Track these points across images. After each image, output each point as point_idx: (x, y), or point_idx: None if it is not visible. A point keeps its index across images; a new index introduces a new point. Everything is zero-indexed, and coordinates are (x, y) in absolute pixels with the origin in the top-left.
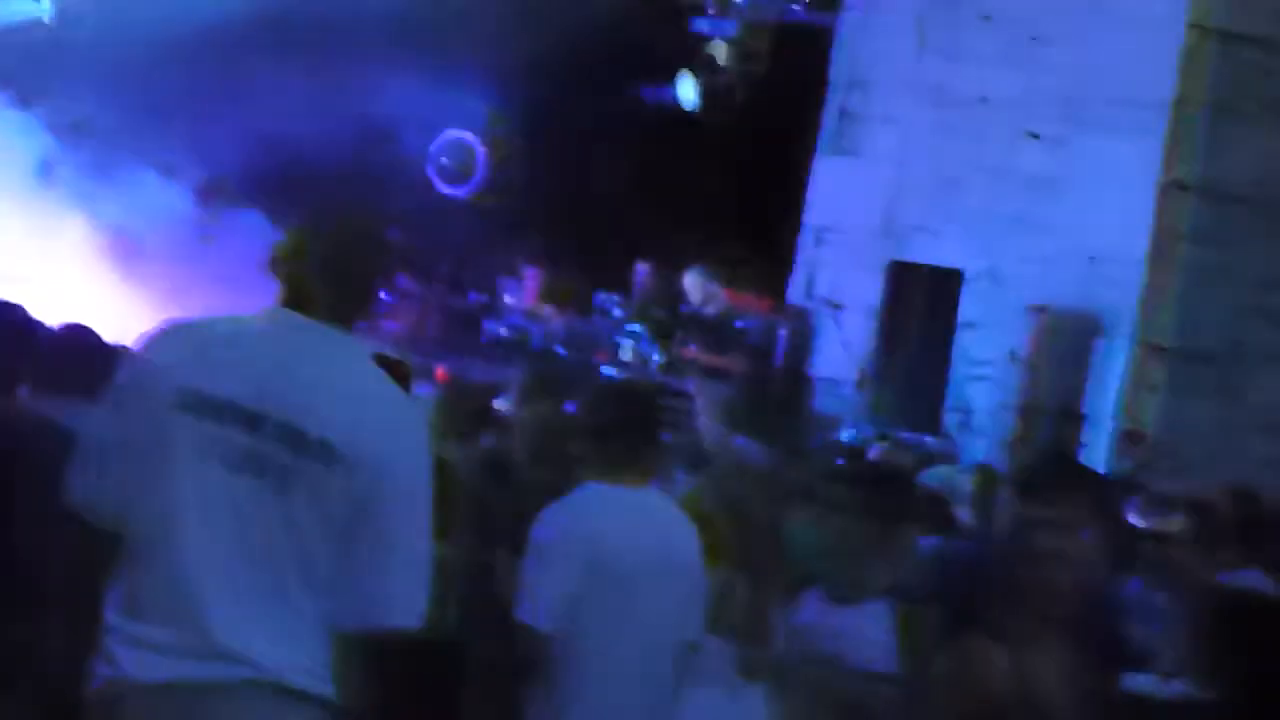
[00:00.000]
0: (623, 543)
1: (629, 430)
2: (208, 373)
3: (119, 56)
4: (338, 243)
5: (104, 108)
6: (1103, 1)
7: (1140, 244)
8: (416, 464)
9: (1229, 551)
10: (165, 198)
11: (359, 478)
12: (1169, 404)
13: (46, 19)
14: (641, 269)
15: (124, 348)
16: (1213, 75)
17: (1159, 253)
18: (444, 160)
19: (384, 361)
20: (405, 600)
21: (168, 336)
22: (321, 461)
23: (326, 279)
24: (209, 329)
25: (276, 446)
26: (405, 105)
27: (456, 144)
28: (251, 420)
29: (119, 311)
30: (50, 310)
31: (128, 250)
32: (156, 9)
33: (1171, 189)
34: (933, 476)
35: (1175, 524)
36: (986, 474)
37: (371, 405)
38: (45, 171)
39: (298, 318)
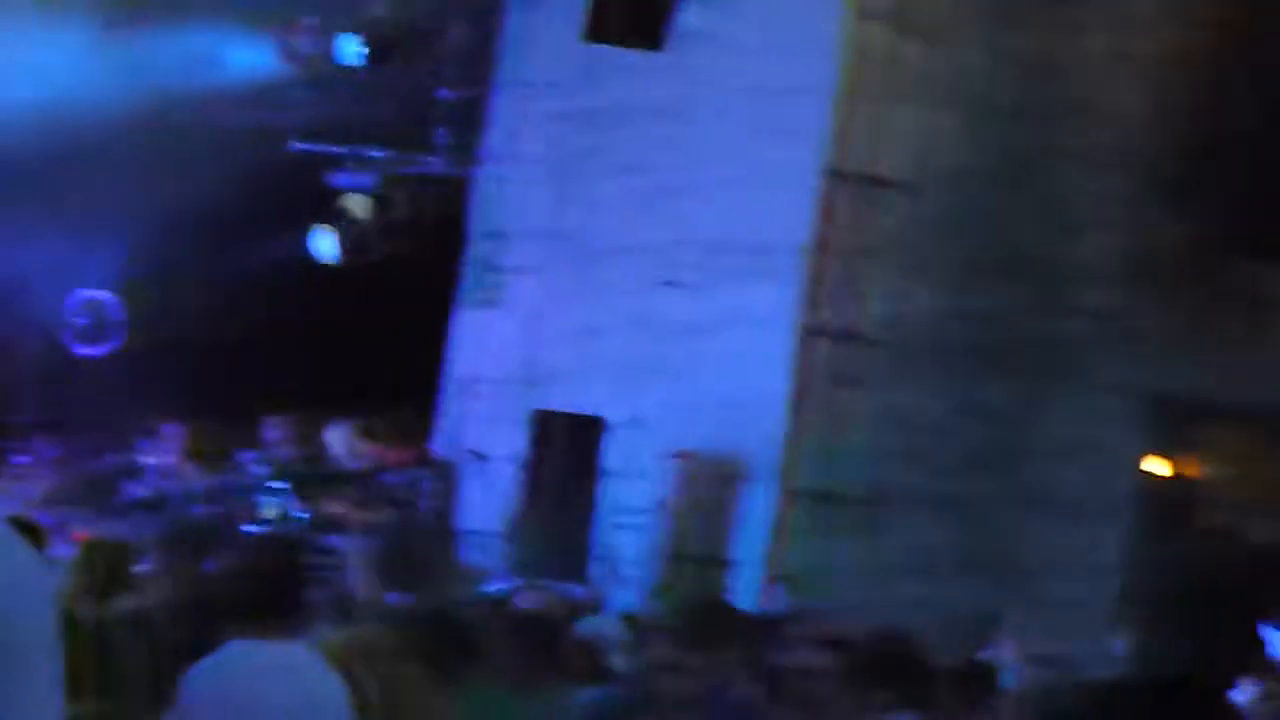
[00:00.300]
0: (270, 699)
1: (271, 586)
2: None
3: None
4: None
5: None
6: (738, 150)
7: (781, 389)
8: (43, 619)
9: (879, 692)
10: None
11: None
12: (812, 547)
13: None
14: (274, 425)
15: None
16: (847, 220)
17: (798, 397)
18: (79, 319)
19: (17, 523)
20: None
21: None
22: None
23: None
24: None
25: None
26: (35, 260)
27: (92, 302)
28: None
29: None
30: None
31: None
32: None
33: (809, 334)
34: (585, 626)
35: (822, 663)
36: (634, 622)
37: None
38: None
39: None
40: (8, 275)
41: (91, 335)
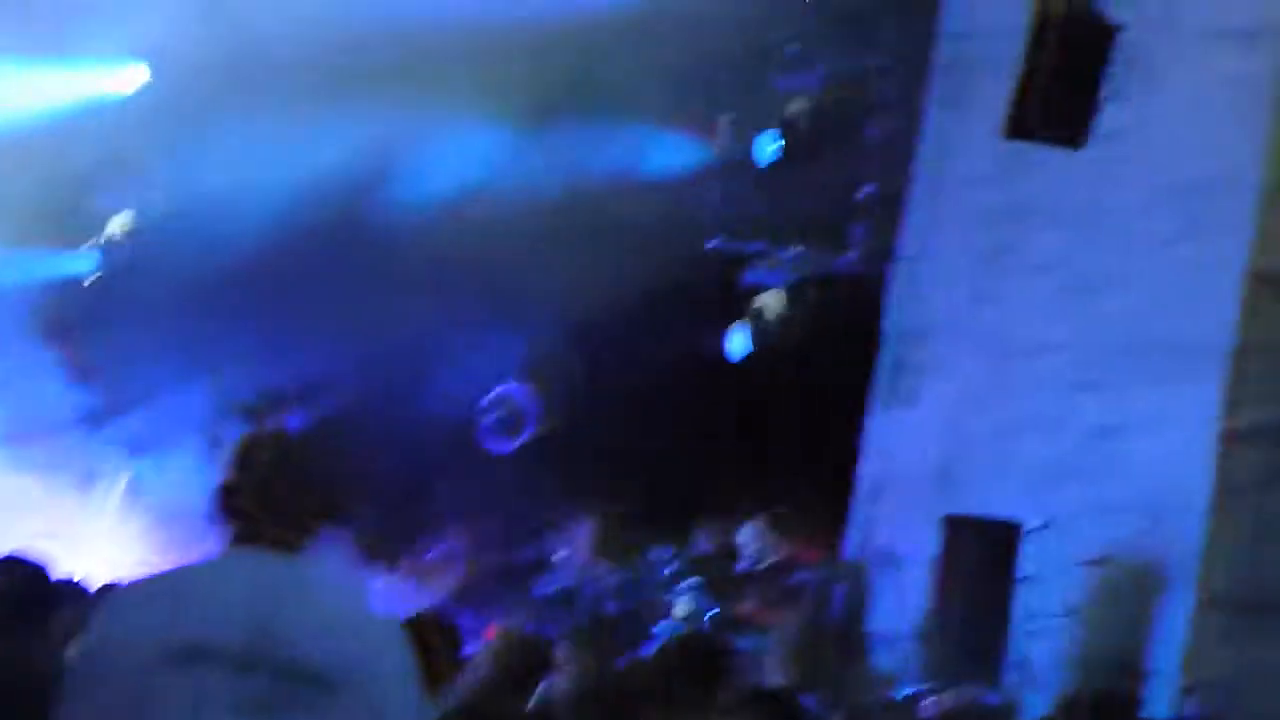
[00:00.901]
0: None
1: (684, 683)
2: (189, 621)
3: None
4: (268, 469)
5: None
6: (1155, 248)
7: (1200, 493)
8: (407, 680)
9: None
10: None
11: (357, 701)
12: (1229, 656)
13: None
14: (688, 521)
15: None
16: (1272, 322)
17: (1220, 503)
18: (491, 412)
19: (426, 620)
20: None
21: (143, 589)
22: (319, 691)
23: (266, 508)
24: (182, 577)
25: (272, 684)
26: (447, 349)
27: (504, 395)
28: (243, 662)
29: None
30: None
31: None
32: (189, 250)
33: (1232, 438)
34: None
35: None
36: None
37: (357, 629)
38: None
39: (260, 553)
40: (420, 363)
41: (503, 428)
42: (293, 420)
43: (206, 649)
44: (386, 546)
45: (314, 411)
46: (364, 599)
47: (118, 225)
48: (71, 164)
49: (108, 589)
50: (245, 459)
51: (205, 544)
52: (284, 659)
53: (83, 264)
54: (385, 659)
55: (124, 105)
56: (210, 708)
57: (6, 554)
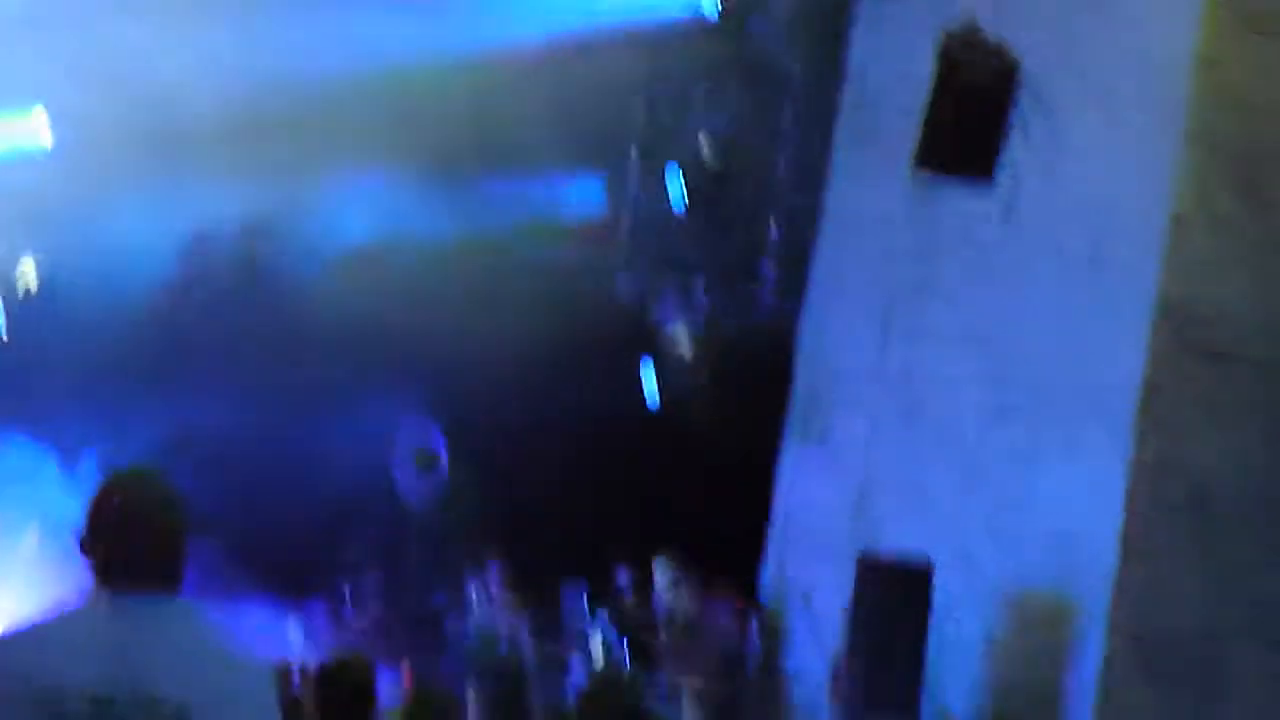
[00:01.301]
0: None
1: None
2: (48, 668)
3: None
4: (133, 509)
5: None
6: (1063, 283)
7: (1112, 526)
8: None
9: None
10: None
11: None
12: (1142, 690)
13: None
14: (599, 562)
15: None
16: (1178, 359)
17: (1132, 536)
18: (408, 458)
19: (345, 660)
20: None
21: (5, 642)
22: None
23: (133, 546)
24: (42, 626)
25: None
26: (364, 397)
27: (420, 440)
28: (99, 703)
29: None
30: None
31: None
32: (90, 299)
33: (1141, 471)
34: None
35: None
36: None
37: (220, 667)
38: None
39: (121, 596)
40: (328, 411)
41: (420, 473)
42: (158, 466)
43: (65, 692)
44: (301, 590)
45: (194, 458)
46: (228, 638)
47: (19, 274)
48: None
49: None
50: (100, 505)
51: (78, 587)
52: (144, 696)
53: None
54: (248, 696)
55: (25, 156)
56: None
57: None
